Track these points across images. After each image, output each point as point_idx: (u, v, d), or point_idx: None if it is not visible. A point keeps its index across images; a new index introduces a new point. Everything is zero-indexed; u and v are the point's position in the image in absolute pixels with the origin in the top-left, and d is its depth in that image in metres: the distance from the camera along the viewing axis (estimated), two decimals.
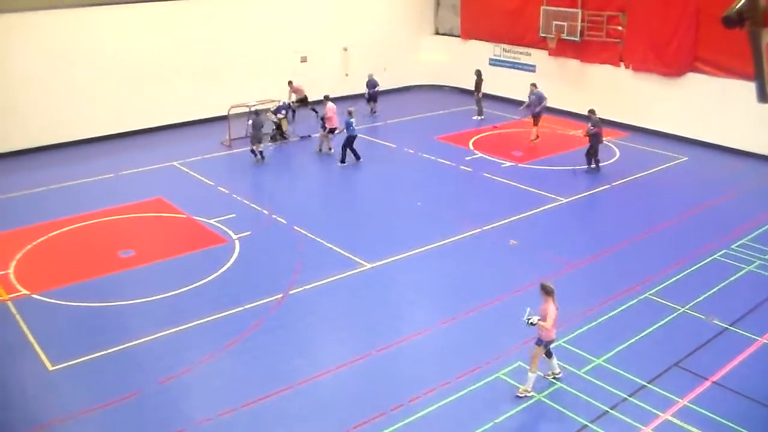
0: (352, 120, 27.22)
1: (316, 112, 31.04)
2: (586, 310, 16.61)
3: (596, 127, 25.68)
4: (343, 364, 14.70)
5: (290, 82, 32.79)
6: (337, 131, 28.45)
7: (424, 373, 14.29)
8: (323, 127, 28.71)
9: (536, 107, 29.80)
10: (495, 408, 13.28)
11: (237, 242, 20.45)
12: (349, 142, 27.41)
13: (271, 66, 34.43)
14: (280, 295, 17.46)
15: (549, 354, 13.91)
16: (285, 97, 32.21)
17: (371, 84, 34.90)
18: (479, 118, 33.92)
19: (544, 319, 13.22)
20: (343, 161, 27.47)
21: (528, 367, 13.72)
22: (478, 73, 34.49)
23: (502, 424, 12.88)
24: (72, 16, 28.94)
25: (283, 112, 30.92)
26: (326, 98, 29.35)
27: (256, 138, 27.61)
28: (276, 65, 34.66)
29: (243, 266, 19.13)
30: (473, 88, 34.78)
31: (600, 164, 26.47)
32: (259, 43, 34.11)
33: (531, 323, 13.23)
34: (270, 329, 16.05)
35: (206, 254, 19.87)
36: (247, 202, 23.45)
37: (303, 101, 32.86)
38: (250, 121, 28.07)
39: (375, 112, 35.11)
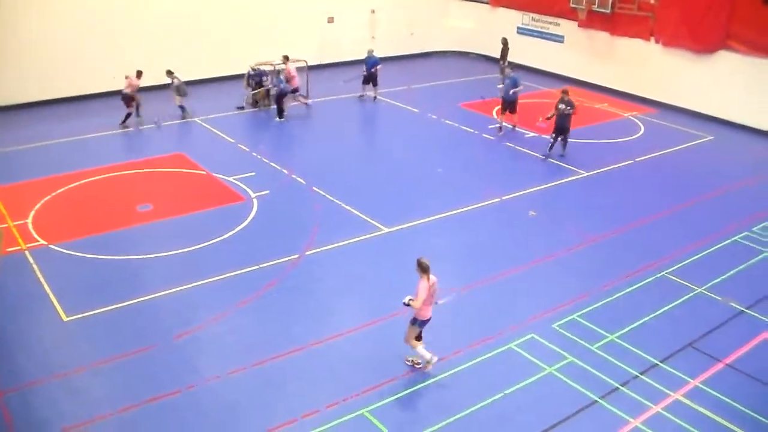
0: (281, 77, 27.98)
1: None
2: (602, 286, 16.51)
3: (573, 108, 24.21)
4: (356, 327, 14.70)
5: (137, 74, 26.65)
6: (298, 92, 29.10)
7: (436, 341, 14.20)
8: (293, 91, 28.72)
9: (509, 92, 26.80)
10: (506, 379, 13.26)
11: (255, 201, 20.44)
12: (280, 96, 28.00)
13: (296, 25, 34.23)
14: (296, 256, 17.46)
15: (419, 337, 13.41)
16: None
17: (371, 63, 30.70)
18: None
19: (415, 297, 12.81)
20: (281, 117, 28.03)
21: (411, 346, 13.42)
22: (505, 42, 34.25)
23: (512, 395, 12.86)
24: None
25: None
26: (286, 59, 28.91)
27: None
28: (302, 25, 34.47)
29: (260, 225, 19.13)
30: (499, 56, 34.54)
31: (551, 151, 24.84)
32: (286, 1, 33.84)
33: (404, 303, 12.87)
34: (284, 289, 16.08)
35: (224, 212, 19.88)
36: (267, 161, 23.41)
37: (128, 98, 26.49)
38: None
39: (375, 98, 31.11)
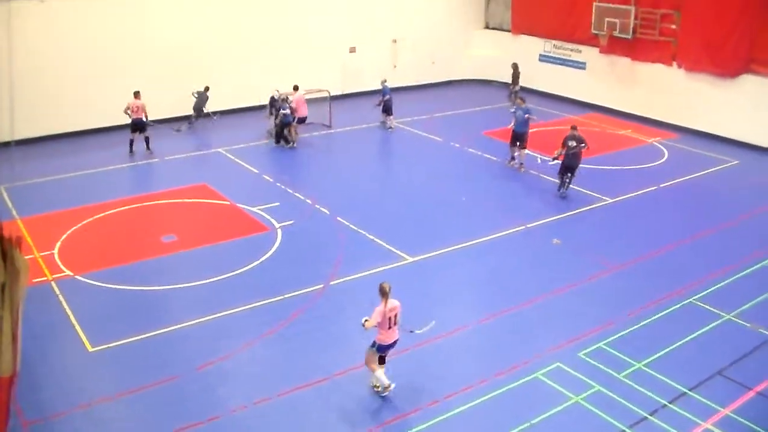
0: (286, 105, 28.09)
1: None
2: (628, 313, 16.36)
3: (585, 145, 22.83)
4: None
5: (135, 95, 26.55)
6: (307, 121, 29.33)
7: (461, 370, 14.20)
8: (295, 119, 28.63)
9: (523, 125, 25.82)
10: (532, 408, 13.13)
11: (279, 231, 20.48)
12: (282, 126, 28.30)
13: (319, 55, 34.47)
14: (321, 286, 17.45)
15: (381, 360, 13.45)
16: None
17: (386, 92, 30.90)
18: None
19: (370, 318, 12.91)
20: (278, 142, 28.53)
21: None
22: (515, 66, 34.88)
23: (538, 425, 12.72)
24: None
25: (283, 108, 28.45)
26: (296, 88, 29.21)
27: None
28: (325, 55, 34.70)
29: (285, 255, 19.15)
30: (510, 82, 35.28)
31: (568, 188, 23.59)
32: (308, 32, 34.11)
33: (362, 323, 12.92)
34: (309, 319, 16.05)
35: (248, 242, 19.93)
36: (291, 191, 23.48)
37: (138, 126, 26.66)
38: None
39: (391, 128, 30.96)
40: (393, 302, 13.01)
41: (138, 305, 16.64)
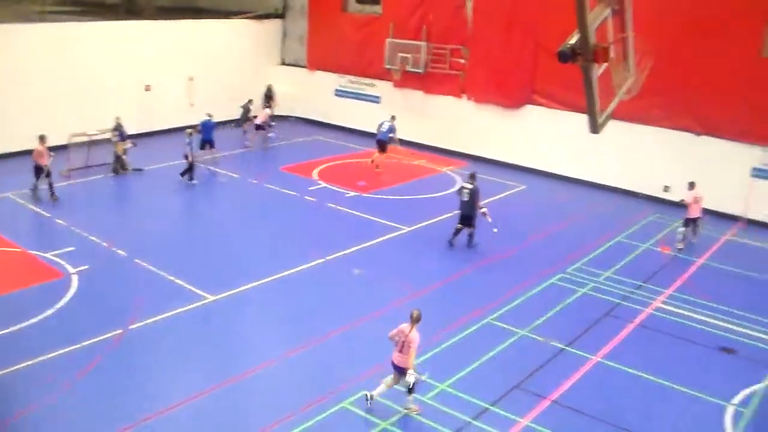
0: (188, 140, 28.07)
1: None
2: (430, 337, 16.80)
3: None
4: (187, 399, 14.31)
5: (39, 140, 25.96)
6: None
7: (269, 406, 14.11)
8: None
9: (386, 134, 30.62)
10: None
11: (75, 276, 19.65)
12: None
13: (113, 94, 33.43)
14: (120, 331, 16.85)
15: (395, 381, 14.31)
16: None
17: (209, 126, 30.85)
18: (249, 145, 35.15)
19: None
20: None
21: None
22: (246, 106, 36.38)
23: None
24: None
25: (117, 134, 28.84)
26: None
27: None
28: (119, 93, 33.70)
29: (81, 301, 18.36)
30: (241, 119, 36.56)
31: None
32: (101, 71, 33.08)
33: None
34: (109, 366, 15.44)
35: (42, 289, 18.95)
36: (86, 235, 22.57)
37: (39, 170, 25.72)
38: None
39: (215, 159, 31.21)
40: (414, 334, 13.83)
41: None
